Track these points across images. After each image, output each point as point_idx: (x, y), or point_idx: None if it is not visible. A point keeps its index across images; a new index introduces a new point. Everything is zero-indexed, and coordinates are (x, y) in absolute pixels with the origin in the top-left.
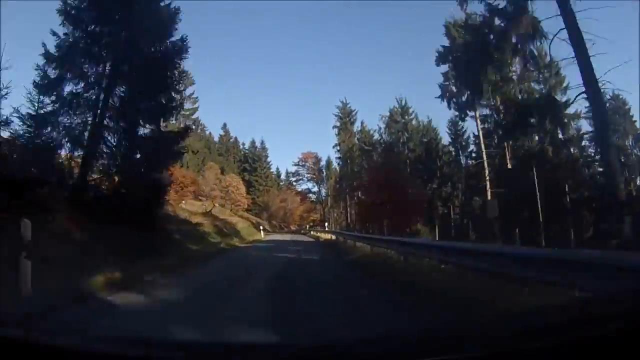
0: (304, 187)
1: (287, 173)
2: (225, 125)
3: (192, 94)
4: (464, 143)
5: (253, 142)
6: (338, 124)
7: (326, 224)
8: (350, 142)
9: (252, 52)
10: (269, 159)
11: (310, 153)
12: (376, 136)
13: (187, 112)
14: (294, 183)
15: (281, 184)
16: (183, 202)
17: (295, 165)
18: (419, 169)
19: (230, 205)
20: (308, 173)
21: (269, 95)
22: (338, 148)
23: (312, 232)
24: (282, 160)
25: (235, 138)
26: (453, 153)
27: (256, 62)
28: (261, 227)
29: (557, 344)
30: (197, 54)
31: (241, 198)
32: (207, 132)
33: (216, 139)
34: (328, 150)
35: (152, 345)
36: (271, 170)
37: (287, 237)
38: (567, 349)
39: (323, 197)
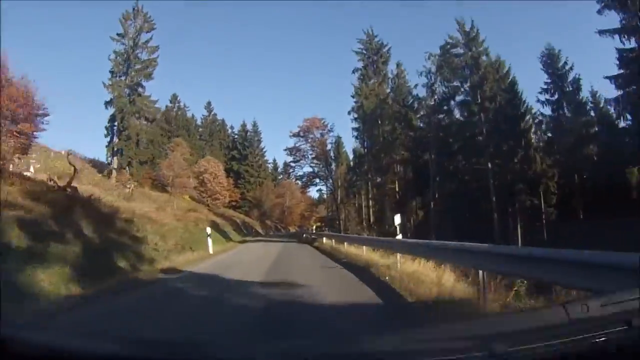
0: (306, 170)
1: (286, 159)
2: (209, 104)
3: (150, 40)
4: (568, 88)
5: (244, 125)
6: (360, 64)
7: (397, 216)
8: (382, 91)
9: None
10: (262, 145)
11: (316, 119)
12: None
13: (141, 65)
14: (293, 164)
15: (279, 177)
16: (32, 162)
17: (295, 136)
18: (501, 132)
19: (207, 198)
20: (313, 149)
21: (262, 69)
22: (355, 115)
23: (324, 240)
24: (278, 151)
25: (223, 121)
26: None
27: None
28: (208, 231)
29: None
30: (180, 23)
31: (221, 189)
32: (190, 114)
33: (199, 122)
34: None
35: (152, 346)
36: (265, 158)
37: (273, 253)
38: (567, 350)
39: (331, 186)
